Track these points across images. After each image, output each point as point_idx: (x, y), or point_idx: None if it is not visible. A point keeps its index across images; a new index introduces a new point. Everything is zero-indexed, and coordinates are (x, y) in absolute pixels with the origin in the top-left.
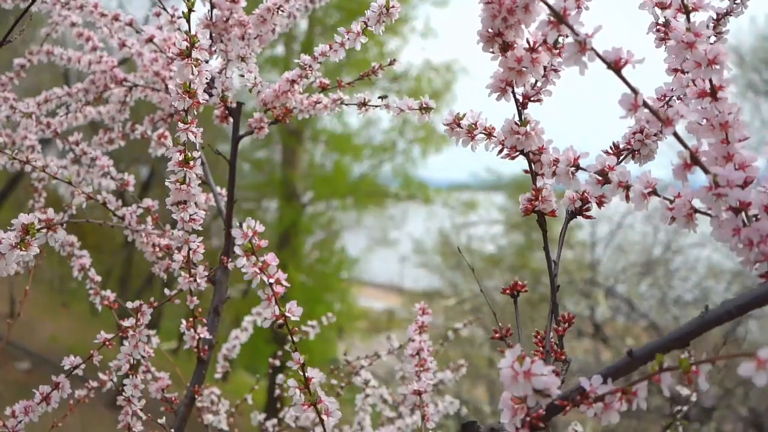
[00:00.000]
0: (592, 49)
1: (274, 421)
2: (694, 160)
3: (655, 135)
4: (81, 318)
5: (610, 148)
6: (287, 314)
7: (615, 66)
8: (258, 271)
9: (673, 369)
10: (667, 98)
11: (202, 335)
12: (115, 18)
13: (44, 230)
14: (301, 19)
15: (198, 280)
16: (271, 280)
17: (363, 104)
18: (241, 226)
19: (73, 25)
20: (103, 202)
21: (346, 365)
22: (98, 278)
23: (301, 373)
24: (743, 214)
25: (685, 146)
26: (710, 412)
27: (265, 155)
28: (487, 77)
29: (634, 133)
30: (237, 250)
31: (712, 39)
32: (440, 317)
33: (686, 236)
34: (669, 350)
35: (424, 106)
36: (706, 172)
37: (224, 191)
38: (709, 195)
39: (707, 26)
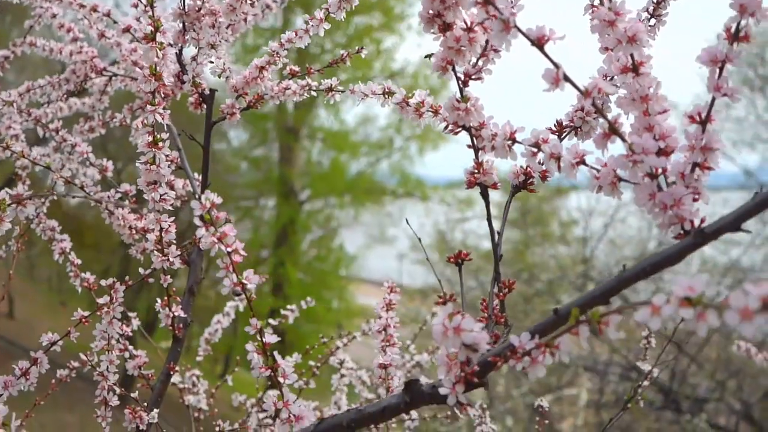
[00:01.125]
0: (516, 27)
1: (253, 400)
2: (612, 130)
3: (596, 113)
4: None
5: (554, 125)
6: (244, 281)
7: (538, 43)
8: (216, 240)
9: (587, 321)
10: (608, 77)
11: (176, 314)
12: (93, 9)
13: (14, 205)
14: (278, 9)
15: (171, 259)
16: (230, 249)
17: (330, 89)
18: (200, 199)
19: (54, 16)
20: (80, 186)
21: (322, 346)
22: (78, 261)
23: (259, 338)
24: (660, 179)
25: (604, 117)
26: (702, 403)
27: (263, 153)
28: (495, 83)
29: (576, 111)
30: (196, 221)
31: (652, 21)
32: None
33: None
34: (591, 307)
35: (387, 91)
36: (624, 141)
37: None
38: (626, 162)
39: (646, 9)
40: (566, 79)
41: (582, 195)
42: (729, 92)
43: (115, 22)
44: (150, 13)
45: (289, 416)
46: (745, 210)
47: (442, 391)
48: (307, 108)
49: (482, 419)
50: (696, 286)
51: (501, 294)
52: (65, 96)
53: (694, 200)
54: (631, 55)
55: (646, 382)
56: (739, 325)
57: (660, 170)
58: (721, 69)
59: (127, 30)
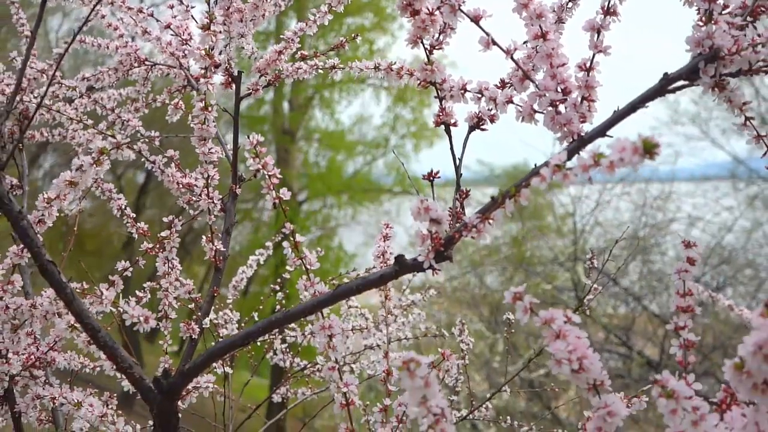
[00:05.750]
0: (460, 9)
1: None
2: (525, 75)
3: (516, 67)
4: None
5: (499, 81)
6: (281, 196)
7: (475, 19)
8: (260, 167)
9: (511, 195)
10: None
11: (218, 247)
12: (140, 10)
13: (114, 150)
14: (287, 6)
15: (215, 202)
16: (270, 173)
17: (333, 67)
18: (248, 137)
19: (103, 17)
20: (138, 150)
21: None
22: (133, 215)
23: (292, 239)
24: (561, 108)
25: (520, 68)
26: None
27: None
28: (475, 71)
29: (515, 71)
30: (246, 153)
31: (570, 4)
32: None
33: (667, 213)
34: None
35: (376, 65)
36: (533, 82)
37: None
38: (535, 97)
39: None
40: (494, 42)
41: (572, 187)
42: (603, 49)
43: (157, 21)
44: (208, 8)
45: (315, 292)
46: (610, 121)
47: (420, 258)
48: (303, 110)
49: (462, 331)
50: (562, 158)
51: (461, 199)
52: (114, 83)
53: (582, 122)
54: (540, 26)
55: (591, 296)
56: (581, 177)
57: (558, 102)
58: (598, 33)
59: (168, 26)
